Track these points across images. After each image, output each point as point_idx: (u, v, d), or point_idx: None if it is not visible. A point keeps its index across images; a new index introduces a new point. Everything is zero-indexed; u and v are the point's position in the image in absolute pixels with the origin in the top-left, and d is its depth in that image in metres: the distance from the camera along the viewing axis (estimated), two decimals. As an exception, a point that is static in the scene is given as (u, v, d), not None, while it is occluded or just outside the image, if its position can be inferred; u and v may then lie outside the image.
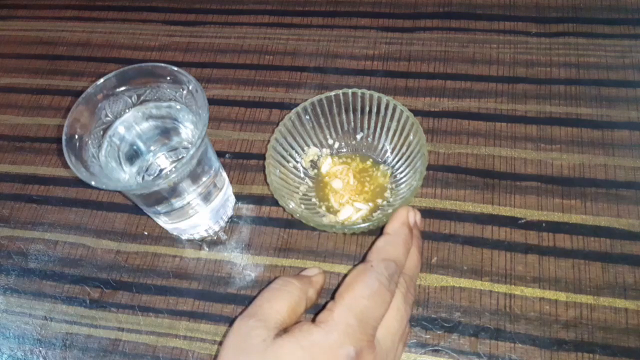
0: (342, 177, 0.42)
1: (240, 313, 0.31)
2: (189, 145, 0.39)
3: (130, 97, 0.37)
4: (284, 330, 0.29)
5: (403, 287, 0.31)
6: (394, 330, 0.30)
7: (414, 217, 0.34)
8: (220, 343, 0.38)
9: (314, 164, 0.43)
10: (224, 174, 0.41)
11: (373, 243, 0.33)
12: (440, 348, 0.36)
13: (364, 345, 0.28)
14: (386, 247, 0.32)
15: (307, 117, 0.41)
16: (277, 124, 0.40)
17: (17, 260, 0.43)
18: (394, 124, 0.40)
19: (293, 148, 0.41)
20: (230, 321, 0.38)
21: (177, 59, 0.52)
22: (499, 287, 0.38)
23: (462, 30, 0.50)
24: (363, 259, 0.39)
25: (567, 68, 0.46)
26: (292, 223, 0.42)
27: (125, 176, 0.37)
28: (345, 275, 0.31)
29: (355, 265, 0.39)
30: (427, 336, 0.36)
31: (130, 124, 0.37)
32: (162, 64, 0.35)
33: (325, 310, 0.29)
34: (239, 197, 0.43)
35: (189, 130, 0.38)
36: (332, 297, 0.30)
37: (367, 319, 0.29)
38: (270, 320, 0.29)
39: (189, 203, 0.37)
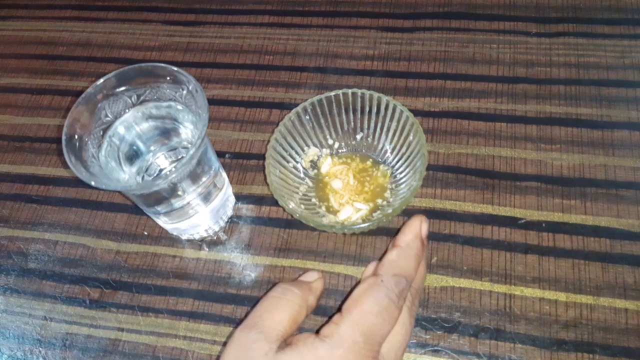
0: (342, 177, 0.42)
1: (240, 321, 0.30)
2: (189, 145, 0.39)
3: (130, 97, 0.37)
4: (285, 342, 0.29)
5: (409, 301, 0.31)
6: (398, 344, 0.30)
7: (427, 228, 0.33)
8: (223, 344, 0.38)
9: (314, 164, 0.43)
10: (224, 174, 0.41)
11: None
12: (440, 348, 0.36)
13: None
14: (398, 261, 0.31)
15: (307, 117, 0.41)
16: (277, 124, 0.40)
17: (17, 260, 0.43)
18: (394, 124, 0.40)
19: (293, 148, 0.41)
20: (231, 322, 0.38)
21: (177, 59, 0.52)
22: (499, 287, 0.38)
23: (462, 30, 0.50)
24: (364, 260, 0.39)
25: (567, 68, 0.46)
26: (292, 223, 0.42)
27: (125, 176, 0.37)
28: (353, 288, 0.30)
29: (356, 265, 0.39)
30: (427, 336, 0.36)
31: (130, 124, 0.37)
32: (162, 64, 0.35)
33: (331, 324, 0.29)
34: (239, 197, 0.43)
35: (188, 130, 0.38)
36: (337, 305, 0.29)
37: (374, 336, 0.28)
38: (272, 331, 0.29)
39: (189, 203, 0.37)
